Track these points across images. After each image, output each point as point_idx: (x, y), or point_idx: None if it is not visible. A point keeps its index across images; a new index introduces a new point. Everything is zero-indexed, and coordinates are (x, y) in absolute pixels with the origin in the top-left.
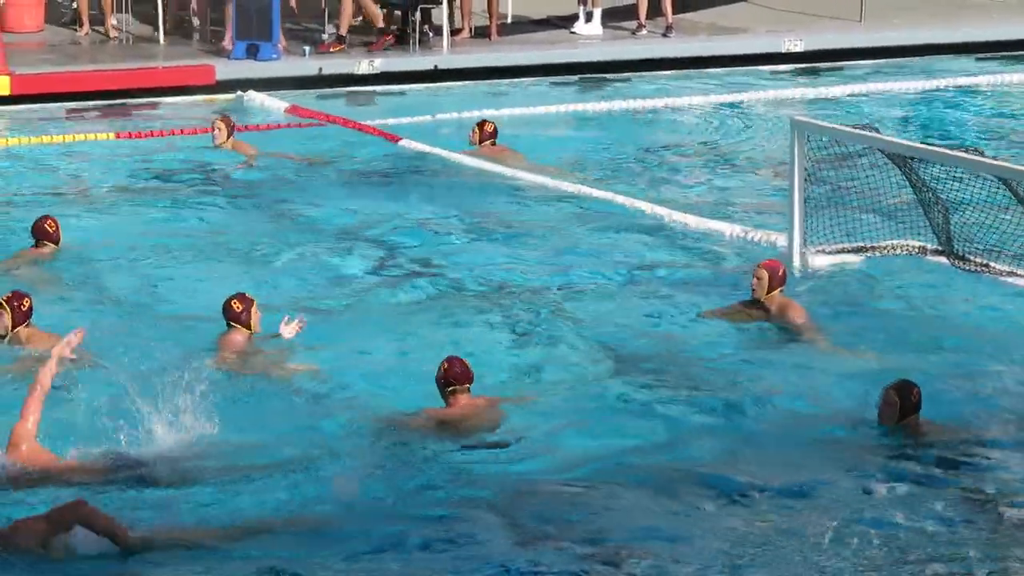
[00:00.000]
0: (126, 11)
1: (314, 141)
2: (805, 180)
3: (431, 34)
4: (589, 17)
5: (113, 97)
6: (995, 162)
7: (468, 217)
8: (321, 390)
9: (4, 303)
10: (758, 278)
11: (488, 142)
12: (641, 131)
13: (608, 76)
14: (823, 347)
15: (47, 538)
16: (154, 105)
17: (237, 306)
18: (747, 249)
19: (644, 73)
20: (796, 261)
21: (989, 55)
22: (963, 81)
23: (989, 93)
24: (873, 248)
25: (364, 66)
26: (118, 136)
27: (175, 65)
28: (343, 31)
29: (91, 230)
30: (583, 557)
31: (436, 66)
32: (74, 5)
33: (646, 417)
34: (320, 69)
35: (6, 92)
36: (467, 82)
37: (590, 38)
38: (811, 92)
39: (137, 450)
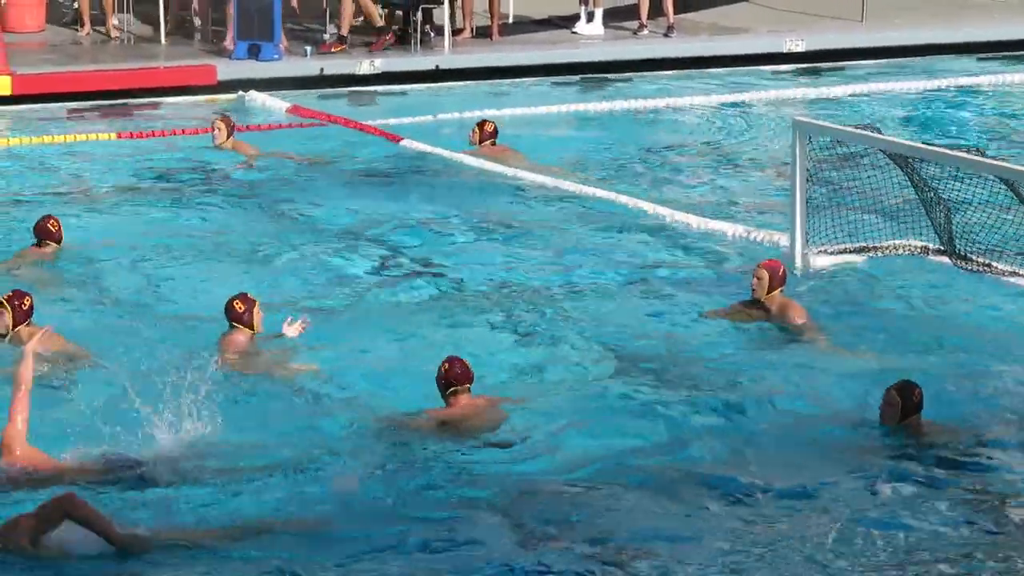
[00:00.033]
0: (127, 11)
1: (315, 141)
2: (807, 180)
3: (432, 34)
4: (591, 17)
5: (114, 97)
6: (997, 162)
7: (469, 217)
8: (322, 390)
9: (5, 302)
10: (758, 278)
11: (488, 142)
12: (643, 131)
13: (609, 76)
14: (824, 347)
15: (37, 534)
16: (155, 105)
17: (239, 306)
18: (749, 249)
19: (646, 73)
20: (798, 261)
21: (990, 55)
22: (964, 81)
23: (990, 93)
24: (875, 248)
25: (365, 66)
26: (119, 136)
27: (176, 65)
28: (344, 31)
29: (92, 230)
30: (585, 557)
31: (437, 66)
32: (75, 5)
33: (647, 417)
34: (321, 69)
35: (7, 92)
36: (468, 82)
37: (591, 38)
38: (813, 92)
39: (137, 450)
